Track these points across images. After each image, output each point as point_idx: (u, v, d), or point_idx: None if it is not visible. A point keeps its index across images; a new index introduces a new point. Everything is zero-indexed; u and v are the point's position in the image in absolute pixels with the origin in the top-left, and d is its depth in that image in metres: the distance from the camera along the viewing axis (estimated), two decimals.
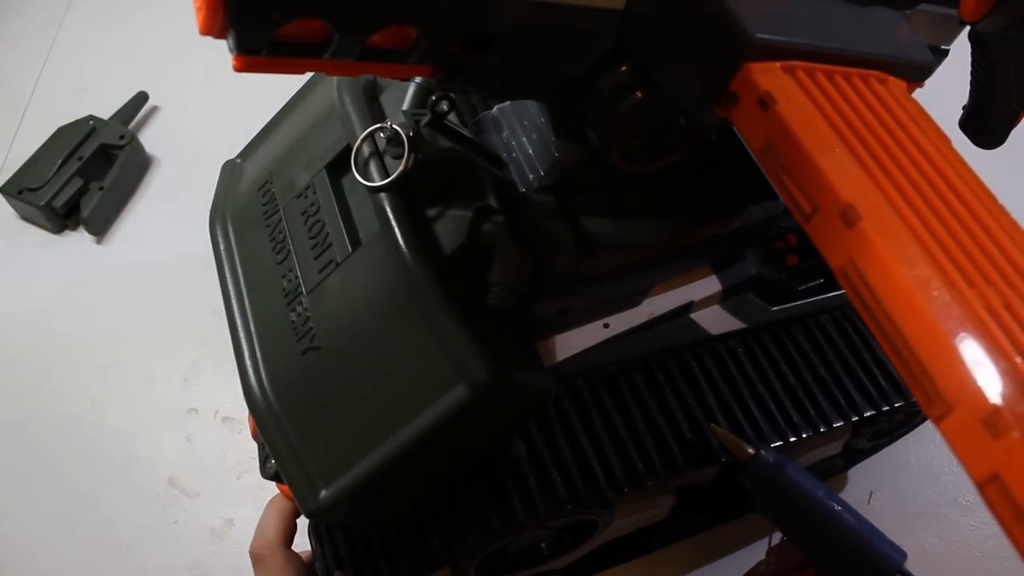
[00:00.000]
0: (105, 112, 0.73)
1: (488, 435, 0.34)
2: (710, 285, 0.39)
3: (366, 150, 0.32)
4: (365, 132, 0.32)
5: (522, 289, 0.31)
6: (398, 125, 0.31)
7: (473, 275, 0.30)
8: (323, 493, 0.31)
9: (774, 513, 0.38)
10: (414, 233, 0.30)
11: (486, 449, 0.35)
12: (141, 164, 0.73)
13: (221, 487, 0.58)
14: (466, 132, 0.33)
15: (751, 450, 0.37)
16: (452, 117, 0.33)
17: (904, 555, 0.35)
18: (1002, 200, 0.24)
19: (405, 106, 0.33)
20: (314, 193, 0.35)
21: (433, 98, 0.31)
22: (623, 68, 0.27)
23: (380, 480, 0.30)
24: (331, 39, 0.22)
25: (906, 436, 0.53)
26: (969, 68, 0.37)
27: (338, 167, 0.35)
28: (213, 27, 0.20)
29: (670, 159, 0.32)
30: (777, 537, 0.41)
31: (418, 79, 0.33)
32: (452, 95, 0.34)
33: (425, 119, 0.32)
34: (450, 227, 0.31)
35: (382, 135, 0.32)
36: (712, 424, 0.38)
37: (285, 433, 0.33)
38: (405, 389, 0.30)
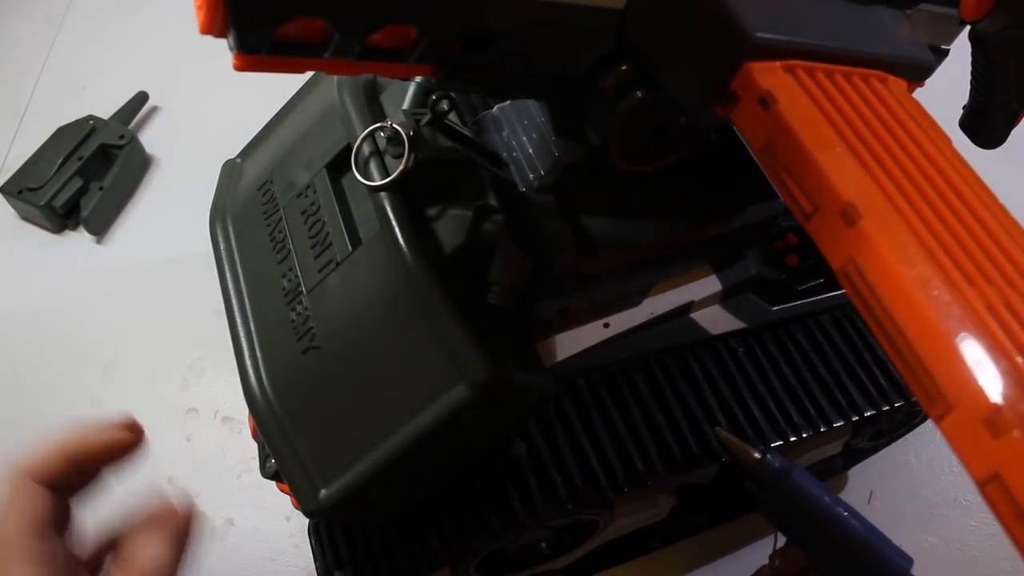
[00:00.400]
0: (105, 112, 0.73)
1: (488, 435, 0.34)
2: (710, 285, 0.39)
3: (366, 149, 0.32)
4: (365, 131, 0.32)
5: (522, 289, 0.31)
6: (398, 124, 0.31)
7: (473, 275, 0.30)
8: (323, 493, 0.31)
9: (779, 517, 0.38)
10: (414, 233, 0.30)
11: (486, 449, 0.35)
12: (141, 164, 0.73)
13: (221, 487, 0.58)
14: (466, 131, 0.33)
15: (757, 455, 0.37)
16: (452, 117, 0.33)
17: (911, 561, 0.35)
18: (1002, 200, 0.24)
19: (405, 105, 0.33)
20: (314, 192, 0.35)
21: (433, 97, 0.31)
22: (623, 68, 0.27)
23: (380, 480, 0.30)
24: (331, 38, 0.22)
25: (906, 436, 0.53)
26: (969, 68, 0.37)
27: (338, 166, 0.35)
28: (213, 26, 0.20)
29: (670, 159, 0.32)
30: (781, 540, 0.41)
31: (418, 78, 0.33)
32: (452, 95, 0.33)
33: (425, 119, 0.32)
34: (450, 226, 0.31)
35: (382, 134, 0.32)
36: (718, 428, 0.38)
37: (285, 433, 0.33)
38: (405, 389, 0.30)
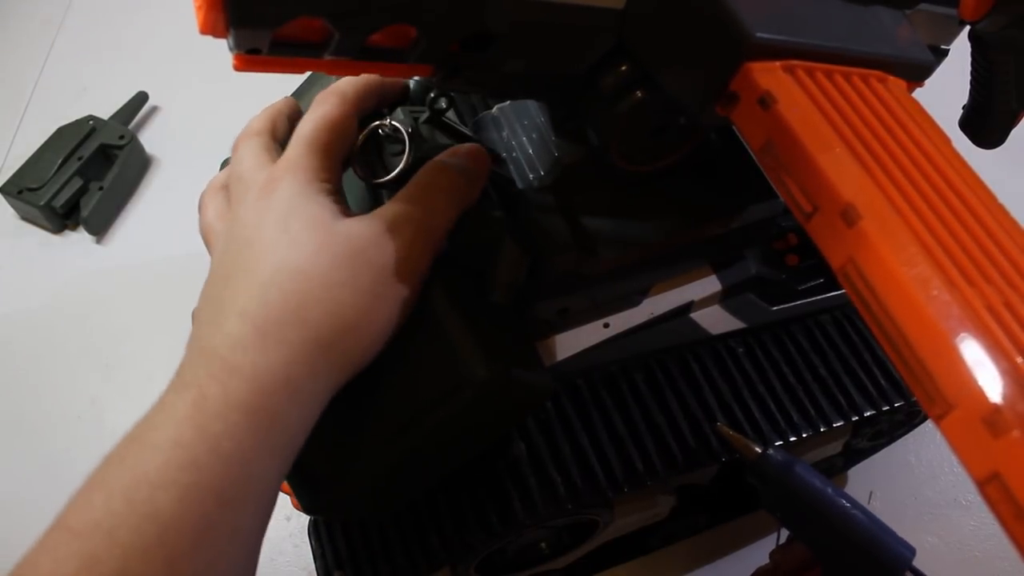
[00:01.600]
0: (105, 112, 0.73)
1: (487, 430, 0.34)
2: (710, 285, 0.39)
3: (365, 147, 0.32)
4: (364, 129, 0.32)
5: (520, 285, 0.31)
6: (397, 122, 0.31)
7: (472, 272, 0.30)
8: (322, 489, 0.31)
9: (782, 511, 0.38)
10: None
11: (486, 444, 0.35)
12: (141, 164, 0.73)
13: None
14: (465, 130, 0.33)
15: (758, 449, 0.37)
16: (451, 115, 0.33)
17: (913, 551, 0.35)
18: (1002, 200, 0.24)
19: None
20: None
21: (432, 95, 0.32)
22: (623, 68, 0.27)
23: (380, 476, 0.30)
24: (331, 38, 0.22)
25: (906, 436, 0.53)
26: (969, 68, 0.37)
27: None
28: (213, 26, 0.20)
29: (670, 159, 0.32)
30: (784, 535, 0.41)
31: (417, 76, 0.33)
32: (451, 93, 0.34)
33: (424, 116, 0.32)
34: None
35: (381, 132, 0.32)
36: (719, 424, 0.38)
37: None
38: (405, 385, 0.30)
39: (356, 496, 0.31)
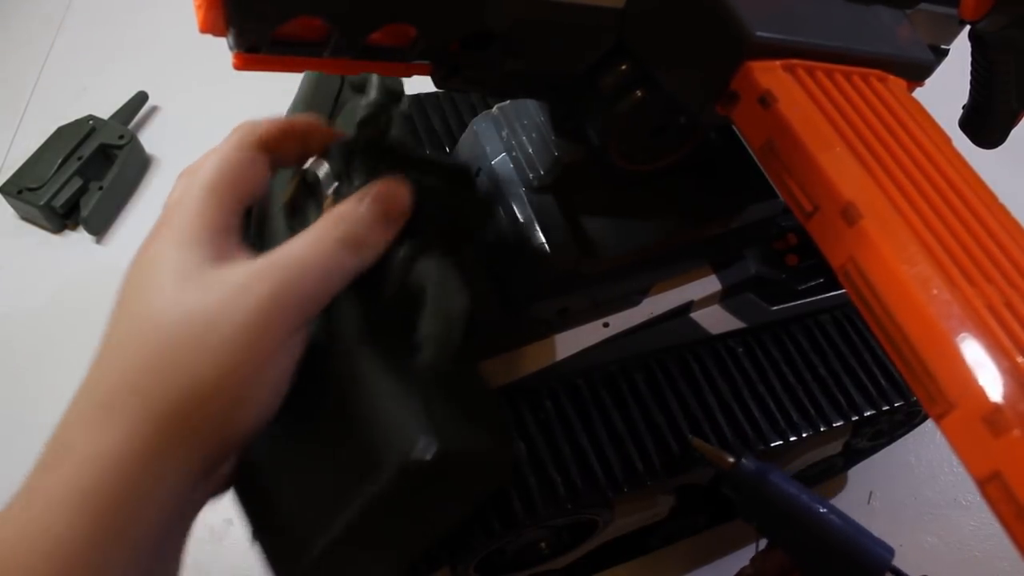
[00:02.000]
0: (105, 112, 0.73)
1: (446, 508, 0.30)
2: (710, 285, 0.39)
3: (296, 196, 0.30)
4: (295, 178, 0.30)
5: (458, 344, 0.26)
6: (328, 162, 0.29)
7: (408, 329, 0.27)
8: (289, 568, 0.28)
9: (759, 520, 0.38)
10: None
11: (455, 519, 0.31)
12: (141, 164, 0.73)
13: None
14: (417, 150, 0.30)
15: (732, 459, 0.37)
16: (399, 134, 0.30)
17: (892, 551, 0.35)
18: (1002, 200, 0.24)
19: (354, 125, 0.30)
20: (279, 238, 0.31)
21: (365, 122, 0.29)
22: (623, 67, 0.27)
23: (340, 556, 0.27)
24: (331, 37, 0.22)
25: (906, 436, 0.53)
26: (969, 68, 0.37)
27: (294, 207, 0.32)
28: (213, 25, 0.20)
29: (670, 158, 0.32)
30: (763, 543, 0.41)
31: (372, 95, 0.31)
32: (392, 112, 0.30)
33: (360, 145, 0.29)
34: (382, 274, 0.27)
35: (307, 179, 0.29)
36: (692, 438, 0.38)
37: (255, 500, 0.30)
38: (339, 464, 0.26)
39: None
